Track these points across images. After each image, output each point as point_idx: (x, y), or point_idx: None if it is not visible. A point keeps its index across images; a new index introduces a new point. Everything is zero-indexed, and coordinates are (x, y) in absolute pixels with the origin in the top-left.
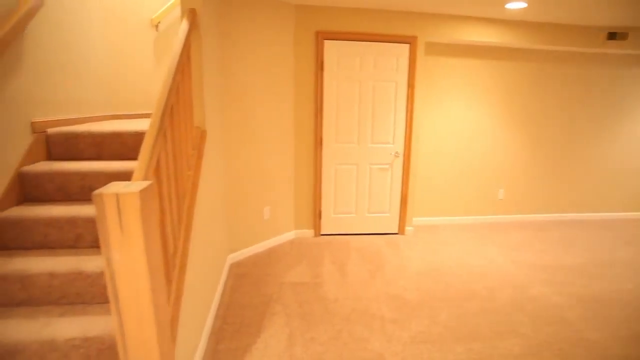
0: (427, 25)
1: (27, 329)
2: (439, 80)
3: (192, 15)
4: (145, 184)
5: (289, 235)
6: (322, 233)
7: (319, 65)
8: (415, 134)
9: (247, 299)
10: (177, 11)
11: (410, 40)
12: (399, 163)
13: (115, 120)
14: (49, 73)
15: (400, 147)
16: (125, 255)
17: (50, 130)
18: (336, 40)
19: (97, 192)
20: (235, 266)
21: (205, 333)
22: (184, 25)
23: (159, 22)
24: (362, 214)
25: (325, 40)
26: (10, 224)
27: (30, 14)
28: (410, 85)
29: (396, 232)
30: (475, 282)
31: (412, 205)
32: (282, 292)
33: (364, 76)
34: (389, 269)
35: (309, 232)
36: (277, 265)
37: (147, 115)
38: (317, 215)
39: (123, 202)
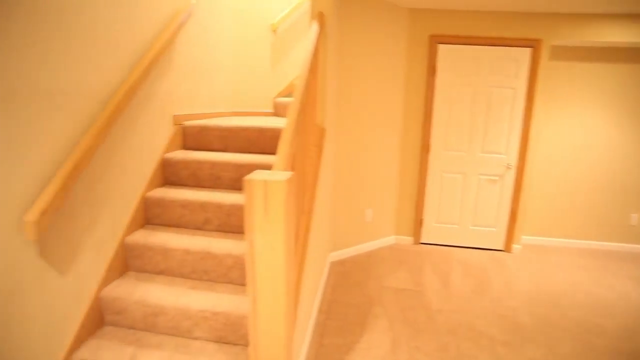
0: (554, 27)
1: (167, 295)
2: (561, 87)
3: (320, 18)
4: (289, 174)
5: (389, 240)
6: (422, 241)
7: (431, 70)
8: (532, 145)
9: (350, 298)
10: (293, 17)
11: (533, 44)
12: (510, 175)
13: (236, 117)
14: (189, 74)
15: (513, 158)
16: (267, 239)
17: (187, 123)
18: (450, 44)
19: (247, 177)
20: (336, 264)
21: (310, 325)
22: (315, 27)
23: (277, 27)
24: (466, 226)
25: (438, 44)
26: (154, 203)
27: (181, 26)
28: (530, 93)
29: (501, 248)
30: (603, 316)
31: (522, 221)
32: (383, 296)
33: (479, 82)
34: (495, 287)
35: (408, 239)
36: (377, 268)
37: (264, 114)
38: (418, 222)
39: (270, 189)
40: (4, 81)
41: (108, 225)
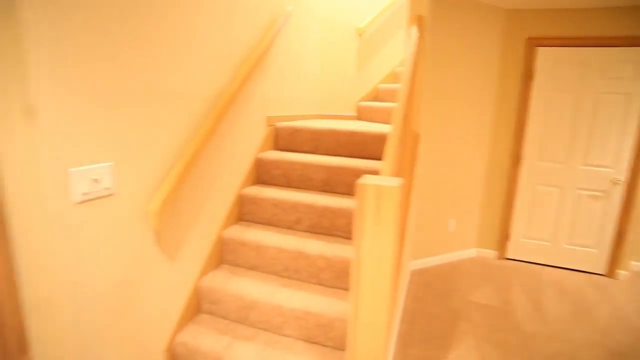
0: None
1: (260, 290)
2: None
3: (420, 22)
4: (400, 180)
5: (470, 252)
6: (507, 257)
7: (527, 75)
8: None
9: (433, 310)
10: (379, 21)
11: None
12: (617, 191)
13: (321, 119)
14: (281, 77)
15: (621, 172)
16: (376, 245)
17: (279, 124)
18: (551, 46)
19: (360, 181)
20: (416, 274)
21: (394, 334)
22: (414, 32)
23: (364, 32)
24: (559, 244)
25: (537, 47)
26: (248, 200)
27: (278, 32)
28: None
29: (602, 273)
30: None
31: (630, 244)
32: (469, 311)
33: (583, 87)
34: (599, 316)
35: (491, 253)
36: (460, 281)
37: (347, 117)
38: (504, 236)
39: (383, 194)
40: (144, 83)
41: (208, 220)
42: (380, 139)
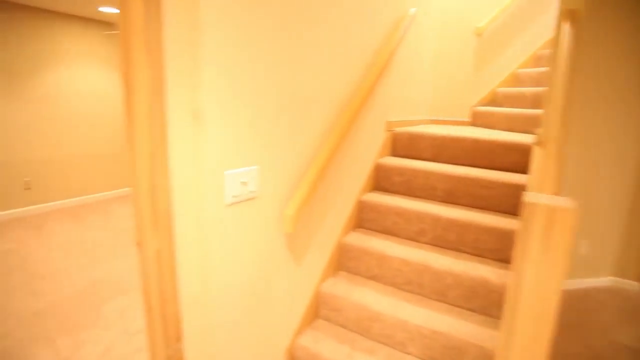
0: None
1: (382, 302)
2: None
3: (573, 17)
4: (573, 201)
5: (604, 281)
6: None
7: None
8: None
9: (570, 348)
10: (500, 20)
11: None
12: None
13: (434, 125)
14: (400, 81)
15: None
16: (542, 275)
17: (397, 130)
18: None
19: (529, 200)
20: None
21: None
22: (566, 29)
23: (483, 31)
24: None
25: None
26: (369, 207)
27: (403, 37)
28: None
29: None
30: None
31: None
32: (616, 356)
33: None
34: None
35: (634, 285)
36: (597, 315)
37: (460, 122)
38: None
39: (555, 217)
40: (290, 89)
41: (330, 225)
42: (512, 148)
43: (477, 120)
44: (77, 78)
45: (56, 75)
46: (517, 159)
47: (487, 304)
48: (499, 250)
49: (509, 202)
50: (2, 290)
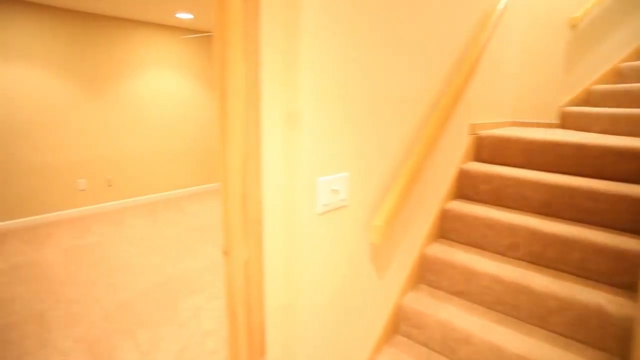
0: None
1: (471, 323)
2: None
3: None
4: None
5: None
6: None
7: None
8: None
9: None
10: (600, 7)
11: None
12: None
13: (515, 127)
14: (483, 80)
15: None
16: None
17: (482, 133)
18: None
19: None
20: None
21: None
22: None
23: (579, 22)
24: None
25: None
26: (453, 217)
27: (492, 33)
28: None
29: None
30: None
31: None
32: None
33: None
34: None
35: None
36: None
37: (546, 125)
38: None
39: None
40: (384, 89)
41: (413, 235)
42: (626, 154)
43: (568, 122)
44: (154, 82)
45: (136, 79)
46: (634, 167)
47: (602, 337)
48: (614, 273)
49: (626, 218)
50: (88, 281)
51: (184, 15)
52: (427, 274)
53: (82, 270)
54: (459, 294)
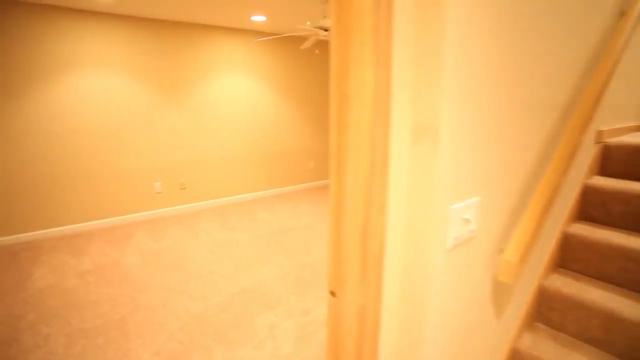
0: None
1: None
2: None
3: None
4: None
5: None
6: None
7: None
8: None
9: None
10: None
11: None
12: None
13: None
14: (615, 78)
15: None
16: None
17: (610, 141)
18: None
19: None
20: None
21: None
22: None
23: None
24: None
25: None
26: (579, 243)
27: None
28: None
29: None
30: None
31: None
32: None
33: None
34: None
35: None
36: None
37: None
38: None
39: None
40: (519, 96)
41: (530, 265)
42: None
43: None
44: (228, 86)
45: (210, 84)
46: None
47: None
48: None
49: None
50: (165, 287)
51: (258, 18)
52: (546, 312)
53: (159, 275)
54: (592, 341)
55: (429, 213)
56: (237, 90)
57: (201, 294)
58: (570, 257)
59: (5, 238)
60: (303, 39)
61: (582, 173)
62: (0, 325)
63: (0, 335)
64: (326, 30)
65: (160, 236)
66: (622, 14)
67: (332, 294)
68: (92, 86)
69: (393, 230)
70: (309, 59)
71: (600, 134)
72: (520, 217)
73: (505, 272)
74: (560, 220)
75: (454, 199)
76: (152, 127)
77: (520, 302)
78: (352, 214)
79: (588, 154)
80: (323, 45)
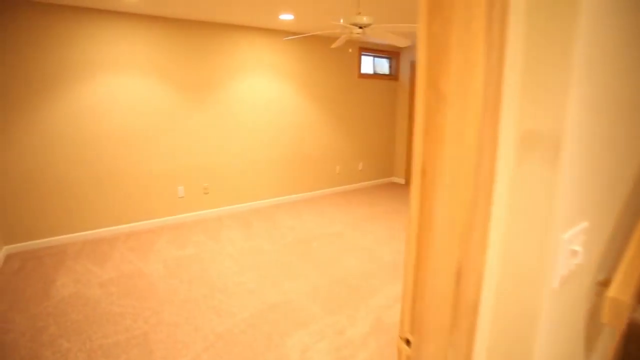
0: None
1: None
2: None
3: None
4: None
5: None
6: None
7: None
8: None
9: None
10: None
11: None
12: None
13: None
14: None
15: None
16: None
17: None
18: None
19: None
20: None
21: None
22: None
23: None
24: None
25: None
26: None
27: None
28: None
29: None
30: None
31: None
32: None
33: None
34: None
35: None
36: None
37: None
38: None
39: None
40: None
41: None
42: None
43: None
44: (253, 86)
45: (235, 85)
46: None
47: None
48: None
49: None
50: (190, 301)
51: (286, 17)
52: (635, 351)
53: (183, 287)
54: None
55: (534, 245)
56: (262, 92)
57: (227, 309)
58: None
59: (30, 242)
60: (333, 38)
61: None
62: (23, 337)
63: (22, 351)
64: (361, 27)
65: (183, 243)
66: None
67: (407, 342)
68: (115, 88)
69: (489, 270)
70: (338, 59)
71: None
72: (624, 242)
73: (613, 314)
74: None
75: (564, 226)
76: (176, 129)
77: (608, 340)
78: (444, 250)
79: None
80: (355, 44)
